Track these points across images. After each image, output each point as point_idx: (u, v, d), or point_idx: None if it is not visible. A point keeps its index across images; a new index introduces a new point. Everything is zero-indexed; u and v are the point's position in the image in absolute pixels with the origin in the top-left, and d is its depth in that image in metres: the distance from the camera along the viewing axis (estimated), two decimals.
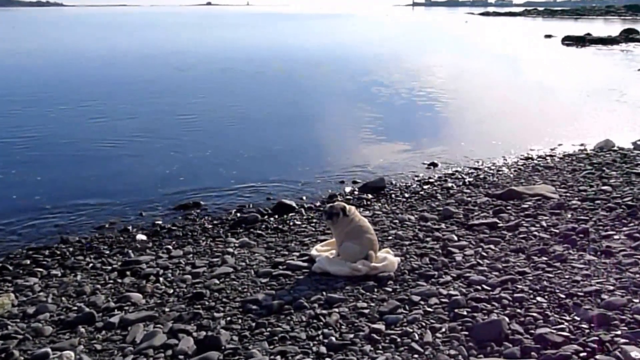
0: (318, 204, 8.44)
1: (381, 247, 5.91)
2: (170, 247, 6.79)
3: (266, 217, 7.85)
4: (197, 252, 6.56)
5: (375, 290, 4.96)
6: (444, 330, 4.12)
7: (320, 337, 4.23)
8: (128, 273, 5.94)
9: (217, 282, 5.50)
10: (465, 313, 4.30)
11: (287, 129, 13.96)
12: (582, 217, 6.29)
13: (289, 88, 20.44)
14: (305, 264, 5.71)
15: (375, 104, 16.52)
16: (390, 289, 4.93)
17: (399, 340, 4.05)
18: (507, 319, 4.09)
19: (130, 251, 6.71)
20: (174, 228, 7.65)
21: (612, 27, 37.80)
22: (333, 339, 4.16)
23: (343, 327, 4.35)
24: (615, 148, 10.09)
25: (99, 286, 5.64)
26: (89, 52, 34.84)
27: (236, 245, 6.67)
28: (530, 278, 4.82)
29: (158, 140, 12.83)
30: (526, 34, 41.31)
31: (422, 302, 4.57)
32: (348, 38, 40.12)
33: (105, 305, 5.10)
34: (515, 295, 4.51)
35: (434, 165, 10.04)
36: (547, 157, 9.95)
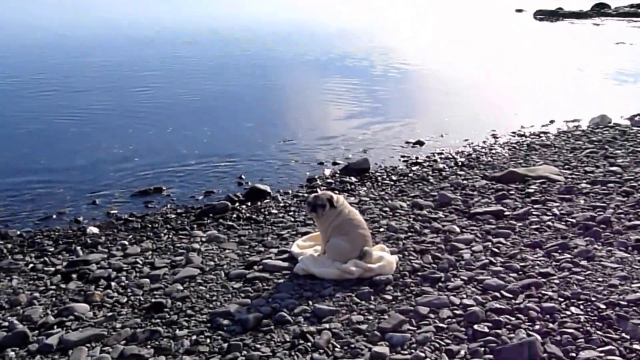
0: (296, 188, 7.50)
1: (373, 242, 5.07)
2: (125, 242, 5.74)
3: (237, 204, 6.86)
4: (158, 248, 5.54)
5: (372, 298, 4.10)
6: (463, 353, 3.31)
7: None
8: (74, 276, 4.90)
9: (181, 287, 4.54)
10: (486, 330, 3.49)
11: (257, 106, 12.82)
12: (597, 204, 5.58)
13: (258, 62, 19.12)
14: (285, 264, 4.79)
15: (349, 80, 15.49)
16: (389, 297, 4.08)
17: None
18: (539, 338, 3.32)
19: (78, 248, 5.64)
20: (131, 219, 6.58)
21: (580, 1, 37.61)
22: None
23: (337, 349, 3.48)
24: (611, 124, 9.50)
25: (37, 294, 4.57)
26: (40, 22, 32.16)
27: (203, 239, 5.68)
28: (557, 281, 4.06)
29: (114, 118, 11.50)
30: (496, 8, 40.59)
31: (431, 315, 3.73)
32: (315, 12, 38.57)
33: (42, 320, 4.07)
34: (544, 305, 3.72)
35: (420, 143, 9.19)
36: (542, 135, 9.26)
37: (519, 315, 3.64)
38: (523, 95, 12.54)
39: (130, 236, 5.97)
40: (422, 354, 3.30)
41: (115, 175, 8.12)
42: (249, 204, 6.89)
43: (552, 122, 10.07)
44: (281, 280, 4.52)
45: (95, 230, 6.25)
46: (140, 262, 5.16)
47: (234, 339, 3.68)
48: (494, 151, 8.38)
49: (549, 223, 5.22)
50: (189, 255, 5.16)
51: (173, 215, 6.61)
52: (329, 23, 31.38)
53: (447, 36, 26.00)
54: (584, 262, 4.30)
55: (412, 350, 3.37)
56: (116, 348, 3.67)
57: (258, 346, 3.56)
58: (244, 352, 3.50)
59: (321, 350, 3.47)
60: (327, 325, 3.74)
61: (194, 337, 3.74)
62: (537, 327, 3.50)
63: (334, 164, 8.38)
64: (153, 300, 4.34)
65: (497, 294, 3.92)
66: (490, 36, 25.40)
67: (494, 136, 9.39)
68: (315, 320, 3.84)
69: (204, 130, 10.55)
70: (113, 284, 4.71)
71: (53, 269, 5.13)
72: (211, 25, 30.46)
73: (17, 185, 7.65)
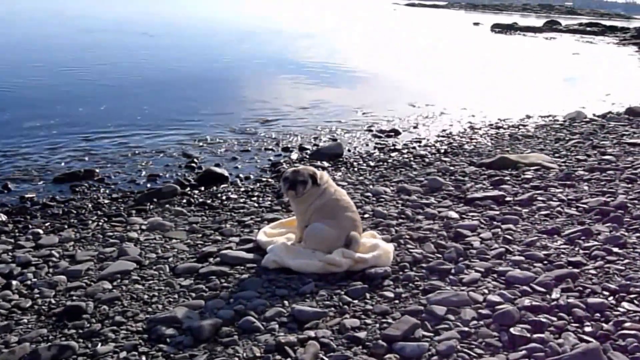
0: (259, 173, 6.45)
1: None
2: (39, 230, 4.46)
3: (188, 189, 5.72)
4: (82, 238, 4.31)
5: (368, 296, 3.15)
6: None
7: None
8: None
9: (109, 286, 3.39)
10: (526, 334, 2.64)
11: (213, 87, 11.67)
12: (605, 190, 4.95)
13: (220, 54, 17.90)
14: (250, 255, 3.74)
15: (313, 73, 14.61)
16: (391, 294, 3.13)
17: None
18: (599, 345, 2.49)
19: None
20: (51, 204, 5.27)
21: (530, 19, 39.19)
22: None
23: None
24: (587, 119, 9.14)
25: None
26: None
27: (143, 227, 4.51)
28: (593, 272, 3.28)
29: (41, 94, 10.01)
30: (455, 22, 41.52)
31: (451, 317, 2.82)
32: (282, 19, 37.72)
33: None
34: (589, 300, 2.93)
35: (396, 132, 8.39)
36: (521, 127, 8.72)
37: (561, 314, 2.81)
38: (495, 94, 12.10)
39: (48, 224, 4.70)
40: None
41: (36, 157, 6.73)
42: (202, 188, 5.77)
43: (528, 117, 9.58)
44: (245, 276, 3.47)
45: (2, 217, 4.91)
46: (57, 255, 3.94)
47: (181, 354, 2.62)
48: (475, 141, 7.69)
49: (559, 209, 4.50)
50: (123, 246, 4.00)
51: (106, 201, 5.36)
52: (293, 28, 30.61)
53: (409, 41, 25.84)
54: (616, 250, 3.57)
55: None
56: None
57: None
58: None
59: None
60: (311, 333, 2.74)
61: (123, 355, 2.64)
62: (588, 328, 2.68)
63: (302, 149, 7.39)
64: (68, 303, 3.18)
65: (527, 288, 3.07)
66: (453, 43, 25.47)
67: (472, 127, 8.72)
68: (295, 327, 2.83)
69: (149, 108, 9.29)
70: (15, 282, 3.48)
71: None
72: (169, 24, 28.81)
73: None
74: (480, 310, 2.85)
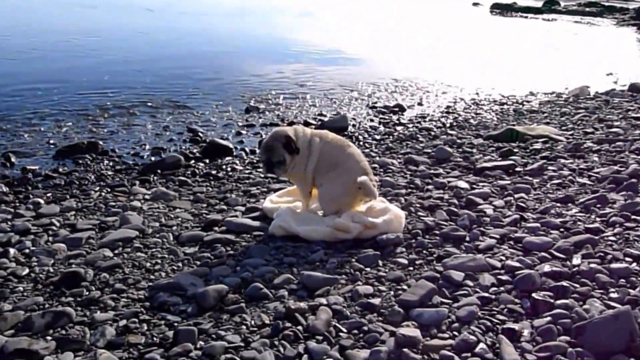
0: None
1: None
2: (40, 200, 4.21)
3: (192, 161, 5.46)
4: (84, 207, 4.07)
5: (381, 263, 2.93)
6: (526, 334, 2.21)
7: (305, 358, 2.13)
8: None
9: (109, 254, 3.16)
10: (550, 300, 2.42)
11: (217, 68, 11.29)
12: (616, 160, 4.69)
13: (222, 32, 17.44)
14: (256, 223, 3.52)
15: (313, 49, 14.21)
16: (405, 261, 2.91)
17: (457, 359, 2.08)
18: (629, 308, 2.27)
19: None
20: (53, 175, 5.02)
21: (530, 0, 38.23)
22: None
23: (342, 334, 2.29)
24: (590, 96, 8.83)
25: None
26: None
27: (147, 197, 4.27)
28: (613, 238, 3.05)
29: (44, 65, 9.67)
30: (453, 2, 40.51)
31: (469, 283, 2.61)
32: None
33: None
34: (612, 266, 2.71)
35: (401, 109, 8.10)
36: (525, 103, 8.41)
37: (584, 280, 2.59)
38: (497, 73, 11.68)
39: (49, 194, 4.45)
40: (473, 337, 2.16)
41: (39, 131, 6.45)
42: (206, 161, 5.51)
43: (532, 94, 9.25)
44: (252, 243, 3.24)
45: (2, 187, 4.67)
46: (57, 224, 3.70)
47: (185, 323, 2.40)
48: (480, 115, 7.41)
49: (571, 178, 4.26)
50: (126, 215, 3.76)
51: (109, 172, 5.11)
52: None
53: (410, 24, 25.25)
54: (634, 217, 3.34)
55: (454, 332, 2.24)
56: None
57: (222, 333, 2.30)
58: (200, 343, 2.22)
59: (319, 337, 2.25)
60: (323, 300, 2.52)
61: (123, 323, 2.42)
62: (613, 295, 2.46)
63: (306, 124, 7.11)
64: (66, 270, 2.96)
65: (546, 255, 2.85)
66: (453, 24, 24.86)
67: (476, 103, 8.41)
68: (306, 294, 2.61)
69: (150, 85, 8.92)
70: (12, 250, 3.24)
71: None
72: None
73: None
74: (499, 276, 2.63)
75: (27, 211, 4.01)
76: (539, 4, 33.83)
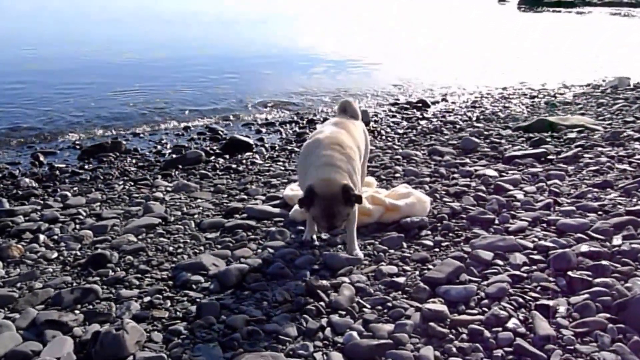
0: (284, 142, 6.22)
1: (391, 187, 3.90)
2: (68, 193, 4.37)
3: (213, 157, 5.55)
4: (109, 199, 4.20)
5: (406, 245, 2.90)
6: (562, 311, 2.14)
7: (328, 331, 2.13)
8: None
9: (134, 239, 3.25)
10: (588, 279, 2.34)
11: (233, 67, 11.51)
12: None
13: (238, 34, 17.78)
14: (277, 210, 3.55)
15: (335, 44, 14.30)
16: (430, 242, 2.89)
17: (487, 334, 2.03)
18: None
19: (4, 200, 4.23)
20: (79, 171, 5.20)
21: None
22: (354, 334, 2.07)
23: (366, 309, 2.28)
24: (630, 87, 8.55)
25: None
26: None
27: (169, 189, 4.37)
28: None
29: (69, 73, 10.07)
30: (479, 1, 39.97)
31: (499, 262, 2.55)
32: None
33: None
34: None
35: (424, 104, 8.04)
36: (558, 96, 8.23)
37: (625, 260, 2.49)
38: (527, 68, 11.44)
39: (76, 188, 4.60)
40: (504, 312, 2.11)
41: (66, 133, 6.71)
42: (227, 157, 5.59)
43: (565, 86, 9.04)
44: (273, 229, 3.26)
45: (32, 182, 4.86)
46: (84, 214, 3.83)
47: (208, 299, 2.44)
48: (509, 109, 7.28)
49: (609, 164, 4.12)
50: (149, 204, 3.85)
51: (133, 169, 5.25)
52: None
53: (433, 23, 25.13)
54: None
55: (483, 308, 2.19)
56: (27, 313, 2.41)
57: (244, 308, 2.32)
58: (223, 317, 2.25)
59: (342, 312, 2.25)
60: (346, 279, 2.52)
61: (147, 299, 2.48)
62: None
63: (325, 120, 7.15)
64: (92, 253, 3.06)
65: (582, 236, 2.77)
66: (478, 21, 24.60)
67: (504, 97, 8.29)
68: (328, 274, 2.61)
69: (175, 86, 9.24)
70: (42, 237, 3.39)
71: None
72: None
73: None
74: (531, 256, 2.57)
75: (55, 203, 4.17)
76: None
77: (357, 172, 2.82)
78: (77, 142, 6.42)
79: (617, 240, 2.68)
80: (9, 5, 26.59)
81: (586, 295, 2.19)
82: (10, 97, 8.37)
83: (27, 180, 4.88)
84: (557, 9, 29.79)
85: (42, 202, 4.21)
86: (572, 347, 1.91)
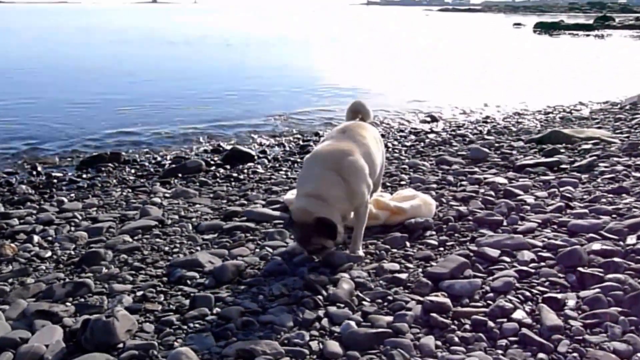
0: (287, 155, 6.28)
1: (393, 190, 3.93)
2: (64, 199, 4.44)
3: (213, 167, 5.61)
4: (106, 204, 4.27)
5: (409, 244, 2.93)
6: (574, 304, 2.15)
7: (325, 321, 2.15)
8: None
9: (129, 239, 3.30)
10: (599, 274, 2.34)
11: (239, 80, 11.80)
12: None
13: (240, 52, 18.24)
14: (277, 213, 3.60)
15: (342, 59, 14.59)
16: (434, 242, 2.92)
17: (491, 324, 2.03)
18: None
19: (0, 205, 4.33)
20: (77, 179, 5.29)
21: (579, 20, 37.47)
22: (352, 324, 2.09)
23: (366, 302, 2.29)
24: None
25: None
26: None
27: (167, 195, 4.44)
28: None
29: (67, 84, 10.41)
30: (493, 25, 40.68)
31: (506, 259, 2.57)
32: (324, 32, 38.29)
33: None
34: None
35: (433, 119, 8.13)
36: (574, 112, 8.29)
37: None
38: (541, 88, 11.57)
39: (73, 194, 4.68)
40: (509, 304, 2.12)
41: (64, 143, 6.87)
42: (228, 167, 5.67)
43: (581, 103, 9.11)
44: (272, 230, 3.31)
45: (28, 189, 4.95)
46: (79, 217, 3.90)
47: (202, 292, 2.46)
48: (522, 123, 7.35)
49: (625, 173, 4.14)
50: (146, 207, 3.92)
51: (131, 177, 5.35)
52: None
53: (446, 45, 25.63)
54: None
55: (488, 302, 2.19)
56: (16, 304, 2.46)
57: (239, 300, 2.35)
58: (217, 310, 2.28)
59: (341, 304, 2.27)
60: (346, 275, 2.54)
61: (140, 293, 2.52)
62: None
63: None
64: (86, 251, 3.12)
65: (595, 236, 2.78)
66: (493, 44, 25.03)
67: (518, 113, 8.36)
68: (328, 271, 2.63)
69: (177, 98, 9.57)
70: (36, 237, 3.46)
71: None
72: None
73: None
74: (540, 253, 2.58)
75: (51, 207, 4.24)
76: (590, 21, 33.50)
77: (364, 186, 2.77)
78: (75, 153, 6.56)
79: (631, 239, 2.69)
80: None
81: (597, 290, 2.19)
82: (18, 110, 8.67)
83: (23, 187, 4.99)
84: (575, 32, 30.19)
85: (37, 206, 4.29)
86: (580, 337, 1.91)
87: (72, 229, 3.67)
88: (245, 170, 5.37)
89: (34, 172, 5.76)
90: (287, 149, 6.65)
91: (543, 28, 32.22)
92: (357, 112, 3.45)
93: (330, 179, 2.66)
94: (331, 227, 2.56)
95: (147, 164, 6.06)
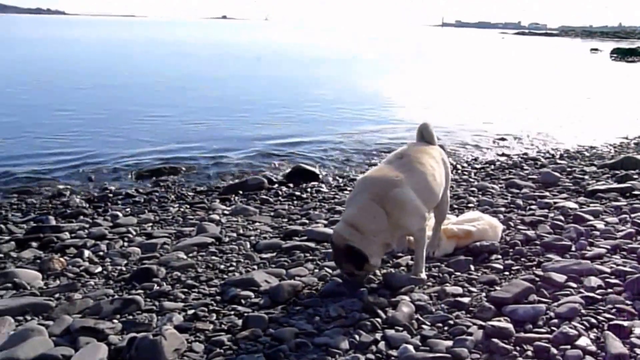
0: (355, 172, 6.46)
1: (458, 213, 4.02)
2: (119, 213, 4.73)
3: (276, 185, 5.82)
4: (162, 220, 4.57)
5: (473, 268, 3.02)
6: (638, 333, 2.16)
7: (382, 345, 2.27)
8: (33, 244, 3.92)
9: (183, 256, 3.51)
10: None
11: (308, 99, 12.32)
12: None
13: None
14: None
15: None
16: (500, 266, 2.99)
17: (554, 351, 2.10)
18: None
19: (51, 217, 4.62)
20: (133, 194, 5.59)
21: None
22: (410, 348, 2.20)
23: (425, 326, 2.41)
24: None
25: None
26: None
27: (225, 212, 4.71)
28: None
29: (125, 103, 11.32)
30: (570, 49, 39.85)
31: (572, 284, 2.62)
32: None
33: None
34: None
35: (503, 140, 8.15)
36: None
37: None
38: (618, 119, 11.22)
39: (128, 209, 4.99)
40: (574, 331, 2.18)
41: (123, 156, 7.29)
42: (291, 185, 5.84)
43: None
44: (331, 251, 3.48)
45: (82, 202, 5.25)
46: (133, 232, 4.16)
47: (256, 312, 2.61)
48: (594, 149, 7.22)
49: None
50: (203, 224, 4.19)
51: (190, 193, 5.64)
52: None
53: (524, 69, 25.30)
54: None
55: (552, 328, 2.26)
56: (61, 320, 2.59)
57: (293, 321, 2.49)
58: (270, 331, 2.41)
59: (399, 328, 2.39)
60: (406, 297, 2.67)
61: (192, 312, 2.67)
62: None
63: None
64: (138, 267, 3.32)
65: None
66: (570, 69, 24.51)
67: (591, 138, 8.22)
68: (387, 293, 2.76)
69: (240, 116, 10.20)
70: (87, 252, 3.67)
71: (9, 236, 4.16)
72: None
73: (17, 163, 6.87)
74: (608, 279, 2.61)
75: (105, 221, 4.49)
76: None
77: (412, 217, 2.83)
78: (135, 166, 6.86)
79: None
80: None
81: None
82: (85, 122, 9.44)
83: (77, 199, 5.32)
84: None
85: (90, 220, 4.56)
86: None
87: (125, 244, 3.91)
88: (309, 189, 5.57)
89: (89, 184, 6.14)
90: (354, 166, 6.82)
91: (619, 54, 31.63)
92: (422, 135, 3.56)
93: (371, 211, 2.77)
94: (360, 258, 2.72)
95: (205, 178, 6.42)
